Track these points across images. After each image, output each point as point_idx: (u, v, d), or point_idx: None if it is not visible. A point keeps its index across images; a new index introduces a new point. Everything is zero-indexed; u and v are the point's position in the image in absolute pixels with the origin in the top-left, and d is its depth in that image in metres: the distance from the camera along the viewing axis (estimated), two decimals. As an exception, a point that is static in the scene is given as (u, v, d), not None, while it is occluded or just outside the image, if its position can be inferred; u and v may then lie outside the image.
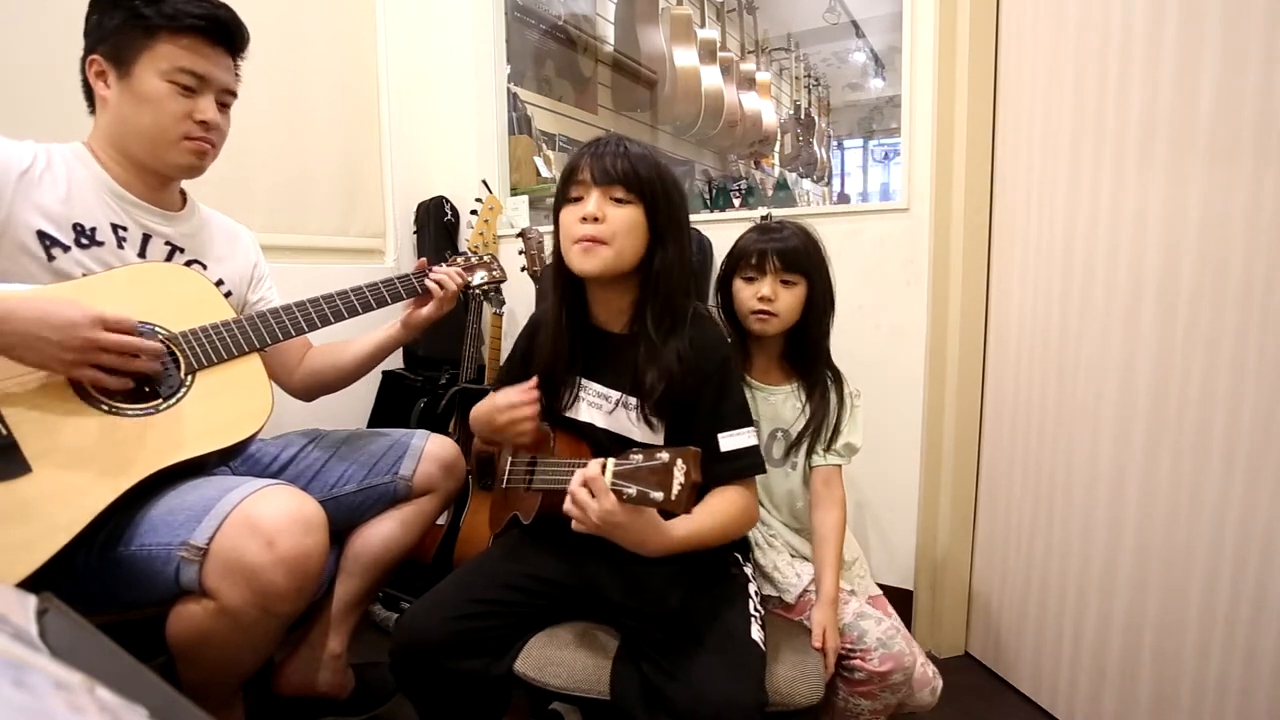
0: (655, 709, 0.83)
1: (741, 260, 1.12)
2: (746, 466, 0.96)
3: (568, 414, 1.04)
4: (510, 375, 1.13)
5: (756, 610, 0.95)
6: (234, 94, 1.07)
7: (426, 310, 1.17)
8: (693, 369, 0.96)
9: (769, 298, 1.08)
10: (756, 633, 0.91)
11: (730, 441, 0.95)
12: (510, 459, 1.11)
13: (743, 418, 0.99)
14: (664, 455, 0.77)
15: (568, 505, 0.82)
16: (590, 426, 1.02)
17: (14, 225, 0.92)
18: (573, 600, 1.01)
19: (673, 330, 0.97)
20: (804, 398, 1.13)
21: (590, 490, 0.79)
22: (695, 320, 1.00)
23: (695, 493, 0.75)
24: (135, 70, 0.97)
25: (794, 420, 1.13)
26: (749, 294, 1.10)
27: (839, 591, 1.04)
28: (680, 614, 0.92)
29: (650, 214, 0.94)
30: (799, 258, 1.08)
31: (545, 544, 1.03)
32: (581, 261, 0.94)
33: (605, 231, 0.92)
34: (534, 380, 0.99)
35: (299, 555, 0.87)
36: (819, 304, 1.11)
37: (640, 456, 0.79)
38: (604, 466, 0.80)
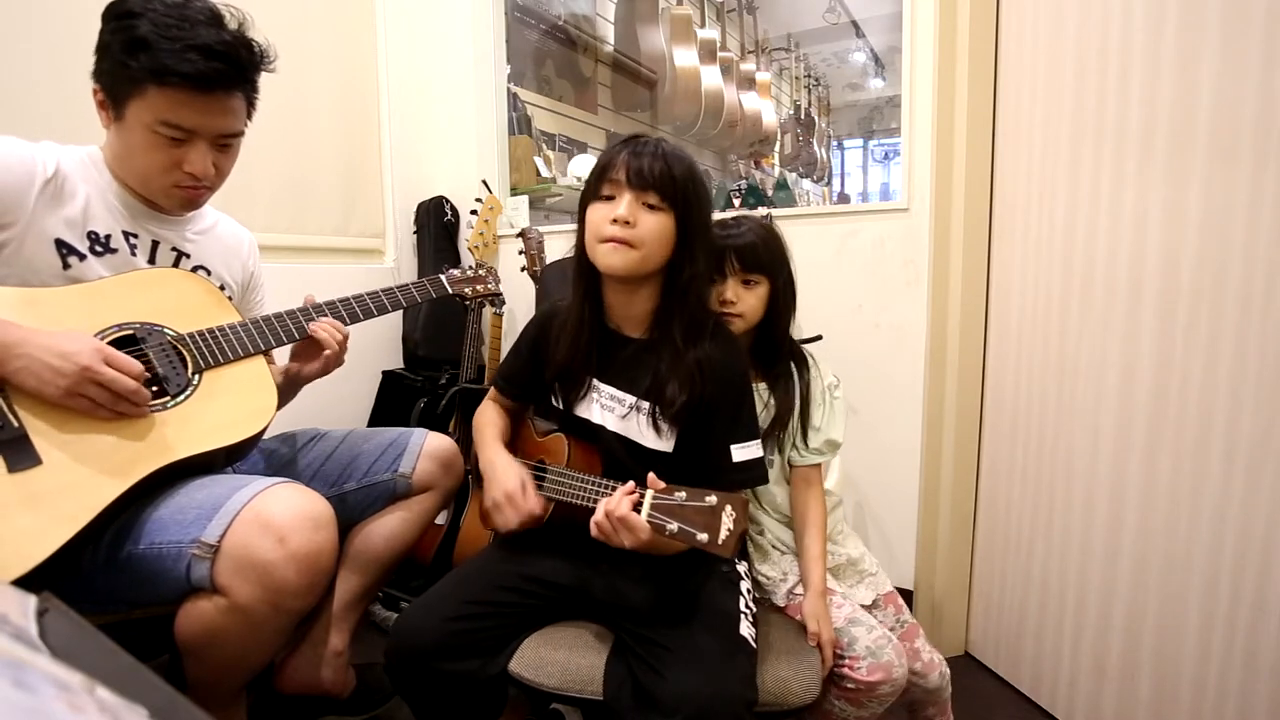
0: (645, 707, 0.83)
1: None
2: (754, 477, 0.99)
3: (578, 412, 1.03)
4: (515, 366, 1.12)
5: (748, 607, 0.95)
6: (237, 134, 1.01)
7: (311, 369, 1.13)
8: (712, 379, 0.96)
9: (730, 300, 1.08)
10: (746, 629, 0.91)
11: (742, 453, 0.97)
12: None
13: (754, 429, 1.00)
14: (712, 499, 0.77)
15: (600, 525, 0.84)
16: (601, 429, 1.02)
17: (34, 234, 0.92)
18: (567, 600, 1.01)
19: (696, 340, 0.97)
20: (767, 393, 1.12)
21: (625, 526, 0.81)
22: (715, 330, 1.00)
23: (741, 540, 0.76)
24: (126, 117, 0.94)
25: (763, 415, 1.12)
26: (713, 296, 1.09)
27: (827, 586, 1.04)
28: (670, 612, 0.92)
29: (681, 223, 0.94)
30: (757, 255, 1.07)
31: (544, 546, 1.03)
32: (608, 258, 0.93)
33: (635, 235, 0.91)
34: (545, 509, 1.00)
35: (310, 551, 0.87)
36: (782, 301, 1.11)
37: (684, 494, 0.79)
38: (641, 496, 0.82)
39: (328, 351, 1.09)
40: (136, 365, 0.87)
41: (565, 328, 1.02)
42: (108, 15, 0.93)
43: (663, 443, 0.98)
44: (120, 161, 1.00)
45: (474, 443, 1.12)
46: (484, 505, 1.02)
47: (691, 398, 0.95)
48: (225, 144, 1.01)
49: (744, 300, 1.08)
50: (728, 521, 0.75)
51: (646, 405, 0.98)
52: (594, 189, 0.95)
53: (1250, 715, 1.05)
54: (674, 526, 0.77)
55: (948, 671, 1.13)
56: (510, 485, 0.98)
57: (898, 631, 1.10)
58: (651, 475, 0.84)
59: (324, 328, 1.09)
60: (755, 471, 0.98)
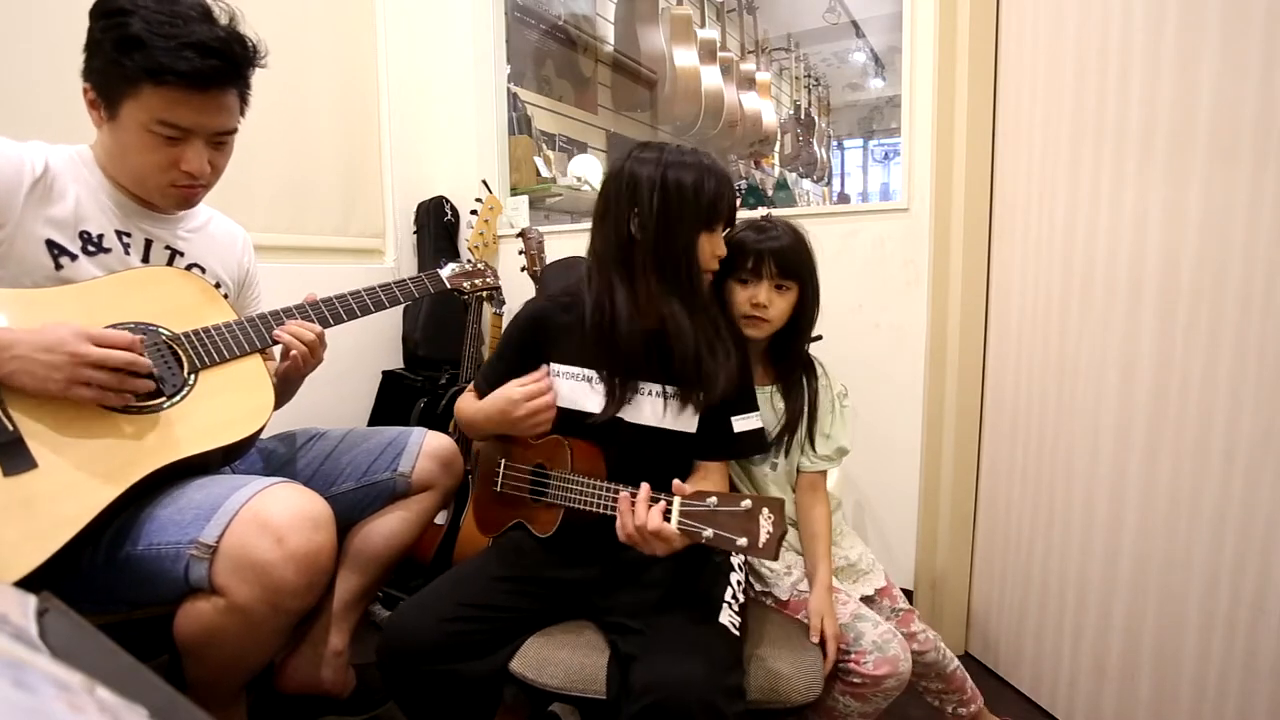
0: (625, 695, 0.83)
1: (738, 259, 1.07)
2: (753, 446, 1.04)
3: (621, 415, 1.02)
4: (501, 371, 1.09)
5: (734, 598, 0.95)
6: (232, 130, 1.00)
7: (285, 368, 1.09)
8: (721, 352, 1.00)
9: (763, 304, 1.07)
10: (727, 618, 0.91)
11: (743, 423, 1.02)
12: (505, 462, 1.09)
13: (753, 401, 1.05)
14: (746, 502, 0.76)
15: (632, 539, 0.84)
16: (619, 421, 1.01)
17: (24, 235, 0.91)
18: (565, 602, 1.01)
19: (702, 319, 1.01)
20: (781, 398, 1.13)
21: (659, 538, 0.82)
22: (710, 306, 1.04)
23: (782, 542, 0.76)
24: (120, 116, 0.92)
25: (774, 420, 1.12)
26: (743, 298, 1.08)
27: (833, 584, 1.05)
28: (654, 600, 0.93)
29: None
30: (792, 262, 1.07)
31: (542, 548, 1.03)
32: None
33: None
34: (544, 370, 1.02)
35: (309, 551, 0.87)
36: (809, 307, 1.11)
37: (715, 499, 0.79)
38: (668, 503, 0.82)
39: (293, 352, 1.06)
40: (125, 335, 0.86)
41: (629, 336, 0.98)
42: (96, 13, 0.91)
43: (690, 423, 1.01)
44: (114, 160, 0.99)
45: (467, 424, 1.10)
46: (514, 415, 0.99)
47: (728, 373, 0.99)
48: (220, 141, 1.00)
49: (775, 305, 1.08)
50: (766, 525, 0.74)
51: (674, 389, 1.00)
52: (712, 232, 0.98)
53: (1250, 715, 1.05)
54: (709, 533, 0.77)
55: (943, 645, 1.16)
56: (514, 391, 0.99)
57: (894, 619, 1.12)
58: (677, 481, 0.84)
59: (288, 331, 1.05)
60: (755, 441, 1.03)
